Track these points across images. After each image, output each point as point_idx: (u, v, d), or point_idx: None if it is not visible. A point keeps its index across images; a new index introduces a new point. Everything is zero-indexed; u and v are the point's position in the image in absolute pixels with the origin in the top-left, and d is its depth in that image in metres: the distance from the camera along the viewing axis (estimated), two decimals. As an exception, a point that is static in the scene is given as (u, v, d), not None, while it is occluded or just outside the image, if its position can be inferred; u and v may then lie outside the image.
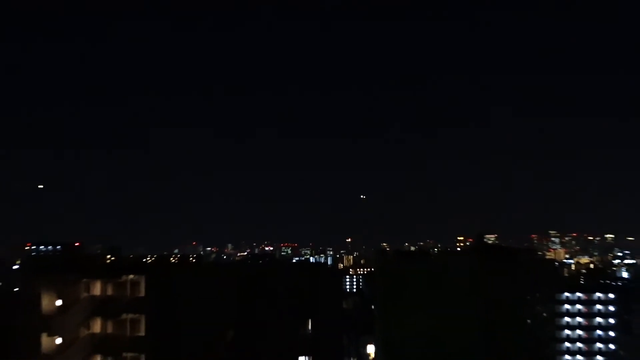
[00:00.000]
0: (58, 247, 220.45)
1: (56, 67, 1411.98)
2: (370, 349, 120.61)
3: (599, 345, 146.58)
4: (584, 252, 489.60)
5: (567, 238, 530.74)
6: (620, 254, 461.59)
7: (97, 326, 57.89)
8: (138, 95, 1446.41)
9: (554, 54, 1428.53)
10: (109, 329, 57.58)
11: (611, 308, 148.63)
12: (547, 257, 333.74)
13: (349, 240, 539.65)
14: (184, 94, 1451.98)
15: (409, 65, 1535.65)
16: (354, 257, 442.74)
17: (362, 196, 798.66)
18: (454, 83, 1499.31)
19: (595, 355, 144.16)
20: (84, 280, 58.53)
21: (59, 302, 57.57)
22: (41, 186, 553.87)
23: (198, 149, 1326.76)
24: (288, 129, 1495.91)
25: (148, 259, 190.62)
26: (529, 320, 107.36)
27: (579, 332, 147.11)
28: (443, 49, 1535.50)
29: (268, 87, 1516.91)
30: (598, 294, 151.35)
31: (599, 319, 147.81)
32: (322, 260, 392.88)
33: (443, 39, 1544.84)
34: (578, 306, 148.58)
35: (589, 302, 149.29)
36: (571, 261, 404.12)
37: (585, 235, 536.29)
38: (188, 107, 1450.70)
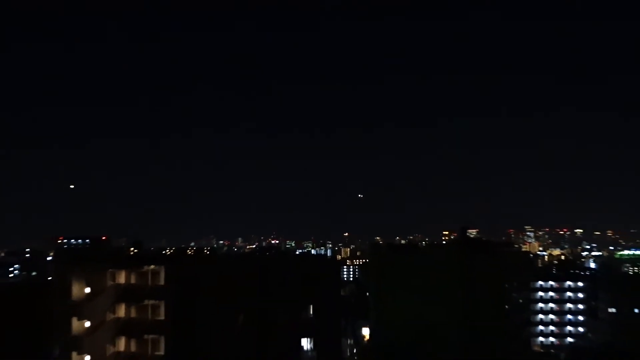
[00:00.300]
0: (87, 240, 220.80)
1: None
2: (365, 331, 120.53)
3: (569, 328, 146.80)
4: (555, 245, 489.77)
5: (540, 232, 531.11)
6: (588, 247, 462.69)
7: (121, 311, 57.93)
8: (142, 93, 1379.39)
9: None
10: (132, 314, 57.62)
11: (580, 295, 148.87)
12: (523, 249, 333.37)
13: (347, 234, 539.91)
14: (185, 92, 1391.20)
15: (404, 64, 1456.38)
16: (350, 249, 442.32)
17: (359, 195, 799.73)
18: (450, 80, 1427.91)
19: (566, 337, 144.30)
20: (110, 270, 58.59)
21: (87, 290, 57.62)
22: (72, 186, 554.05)
23: (200, 149, 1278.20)
24: (281, 126, 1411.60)
25: (167, 251, 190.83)
26: (506, 306, 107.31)
27: (551, 316, 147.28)
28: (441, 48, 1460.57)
29: (269, 84, 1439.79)
30: (568, 283, 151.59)
31: (569, 305, 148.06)
32: (322, 252, 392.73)
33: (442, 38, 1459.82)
34: (550, 293, 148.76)
35: (560, 290, 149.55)
36: (544, 253, 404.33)
37: (556, 230, 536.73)
38: (191, 105, 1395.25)
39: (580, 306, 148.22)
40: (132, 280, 58.23)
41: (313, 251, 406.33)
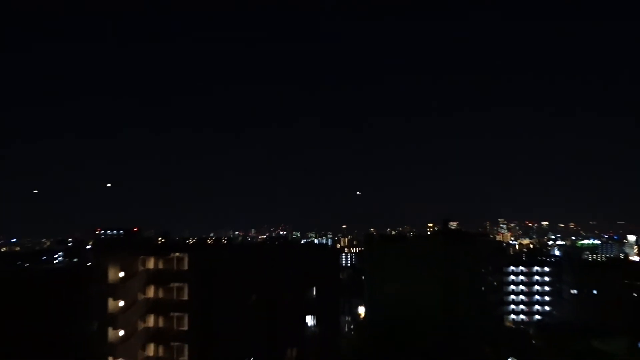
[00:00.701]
0: (121, 231, 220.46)
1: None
2: (361, 310, 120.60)
3: (537, 307, 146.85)
4: (525, 235, 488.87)
5: (512, 224, 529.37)
6: (553, 237, 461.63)
7: (150, 292, 58.02)
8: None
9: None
10: (160, 295, 57.69)
11: (546, 279, 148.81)
12: (497, 239, 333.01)
13: (345, 226, 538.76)
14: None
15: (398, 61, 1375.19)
16: (348, 239, 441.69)
17: (358, 192, 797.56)
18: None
19: (534, 315, 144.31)
20: (141, 257, 58.67)
21: (121, 274, 57.73)
22: (109, 184, 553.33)
23: (211, 147, 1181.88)
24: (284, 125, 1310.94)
25: (190, 240, 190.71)
26: (482, 287, 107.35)
27: (521, 297, 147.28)
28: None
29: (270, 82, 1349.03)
30: (536, 268, 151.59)
31: (537, 287, 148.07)
32: (324, 241, 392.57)
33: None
34: (521, 277, 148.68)
35: (529, 274, 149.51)
36: (515, 242, 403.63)
37: (526, 222, 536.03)
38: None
39: (547, 288, 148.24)
40: (160, 266, 58.33)
41: (316, 241, 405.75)
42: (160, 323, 57.16)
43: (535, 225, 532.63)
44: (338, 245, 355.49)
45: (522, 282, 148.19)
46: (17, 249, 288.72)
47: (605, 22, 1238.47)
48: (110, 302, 57.00)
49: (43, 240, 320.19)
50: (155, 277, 57.81)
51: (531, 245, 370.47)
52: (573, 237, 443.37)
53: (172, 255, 57.99)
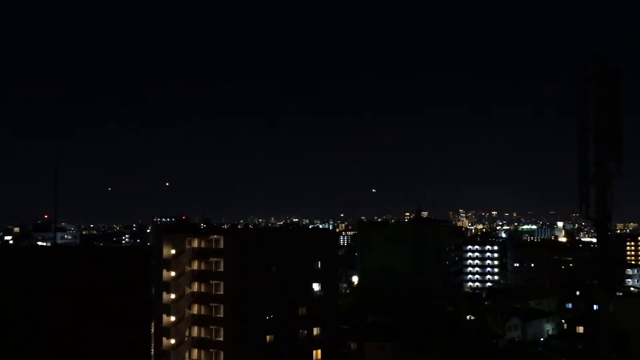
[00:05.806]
0: (173, 218, 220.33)
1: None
2: (354, 278, 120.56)
3: (488, 276, 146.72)
4: (479, 222, 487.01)
5: (469, 214, 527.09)
6: (500, 223, 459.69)
7: (195, 265, 58.10)
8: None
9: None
10: (203, 267, 57.78)
11: (495, 255, 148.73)
12: (457, 224, 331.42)
13: (342, 215, 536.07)
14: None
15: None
16: (345, 224, 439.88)
17: (373, 190, 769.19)
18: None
19: (486, 282, 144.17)
20: (188, 237, 58.80)
21: (173, 251, 57.89)
22: (167, 183, 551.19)
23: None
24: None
25: (225, 225, 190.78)
26: (446, 261, 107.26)
27: (476, 268, 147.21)
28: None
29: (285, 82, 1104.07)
30: (487, 247, 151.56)
31: (488, 261, 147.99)
32: (326, 226, 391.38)
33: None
34: (476, 254, 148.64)
35: (482, 251, 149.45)
36: (471, 227, 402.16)
37: (480, 211, 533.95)
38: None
39: (495, 262, 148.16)
40: (202, 245, 58.41)
41: (320, 226, 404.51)
42: (203, 289, 57.27)
43: (487, 214, 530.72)
44: (337, 229, 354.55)
45: (476, 257, 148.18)
46: (95, 232, 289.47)
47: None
48: (165, 273, 57.13)
49: (114, 225, 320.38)
50: (198, 253, 57.92)
51: (484, 230, 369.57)
52: (516, 223, 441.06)
53: (211, 236, 58.07)
